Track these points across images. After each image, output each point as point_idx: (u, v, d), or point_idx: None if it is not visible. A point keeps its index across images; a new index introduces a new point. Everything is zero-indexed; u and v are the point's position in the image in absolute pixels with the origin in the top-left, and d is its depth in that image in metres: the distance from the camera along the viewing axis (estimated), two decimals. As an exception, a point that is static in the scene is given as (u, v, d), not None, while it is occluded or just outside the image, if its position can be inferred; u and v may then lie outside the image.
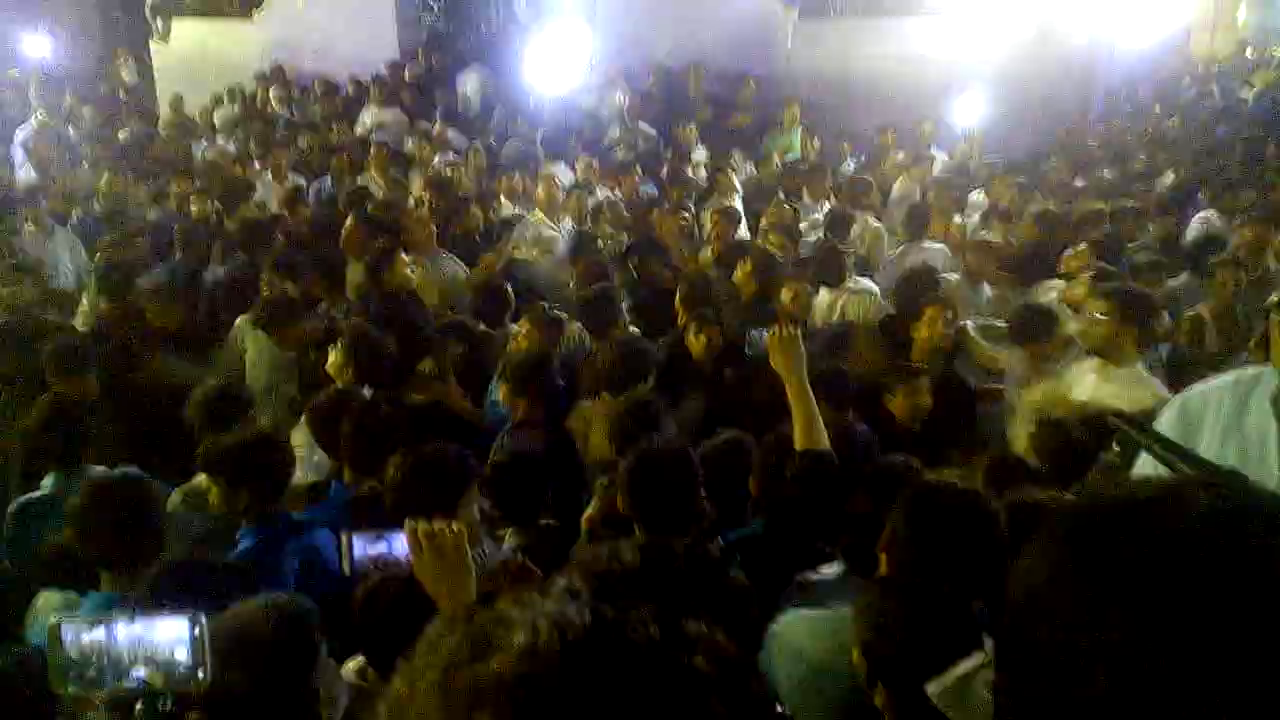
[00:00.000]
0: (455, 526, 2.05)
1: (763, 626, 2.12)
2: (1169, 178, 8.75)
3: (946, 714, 1.52)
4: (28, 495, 3.50)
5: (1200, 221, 7.15)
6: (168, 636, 1.78)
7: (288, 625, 2.10)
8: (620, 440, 3.40)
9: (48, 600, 2.85)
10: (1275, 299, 1.83)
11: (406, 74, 11.92)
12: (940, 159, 9.45)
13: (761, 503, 2.99)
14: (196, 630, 1.78)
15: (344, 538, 2.24)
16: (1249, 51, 15.63)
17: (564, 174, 8.64)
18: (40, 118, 11.15)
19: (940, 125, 9.89)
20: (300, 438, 3.94)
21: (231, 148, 10.21)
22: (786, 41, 11.19)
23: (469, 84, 11.29)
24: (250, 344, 5.06)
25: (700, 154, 9.47)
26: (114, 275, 5.54)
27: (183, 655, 1.78)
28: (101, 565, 2.80)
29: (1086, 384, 3.86)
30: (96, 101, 12.83)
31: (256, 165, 9.18)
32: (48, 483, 3.53)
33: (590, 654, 0.70)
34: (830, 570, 2.67)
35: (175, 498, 3.51)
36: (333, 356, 4.34)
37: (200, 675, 1.78)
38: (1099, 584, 0.76)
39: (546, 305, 5.14)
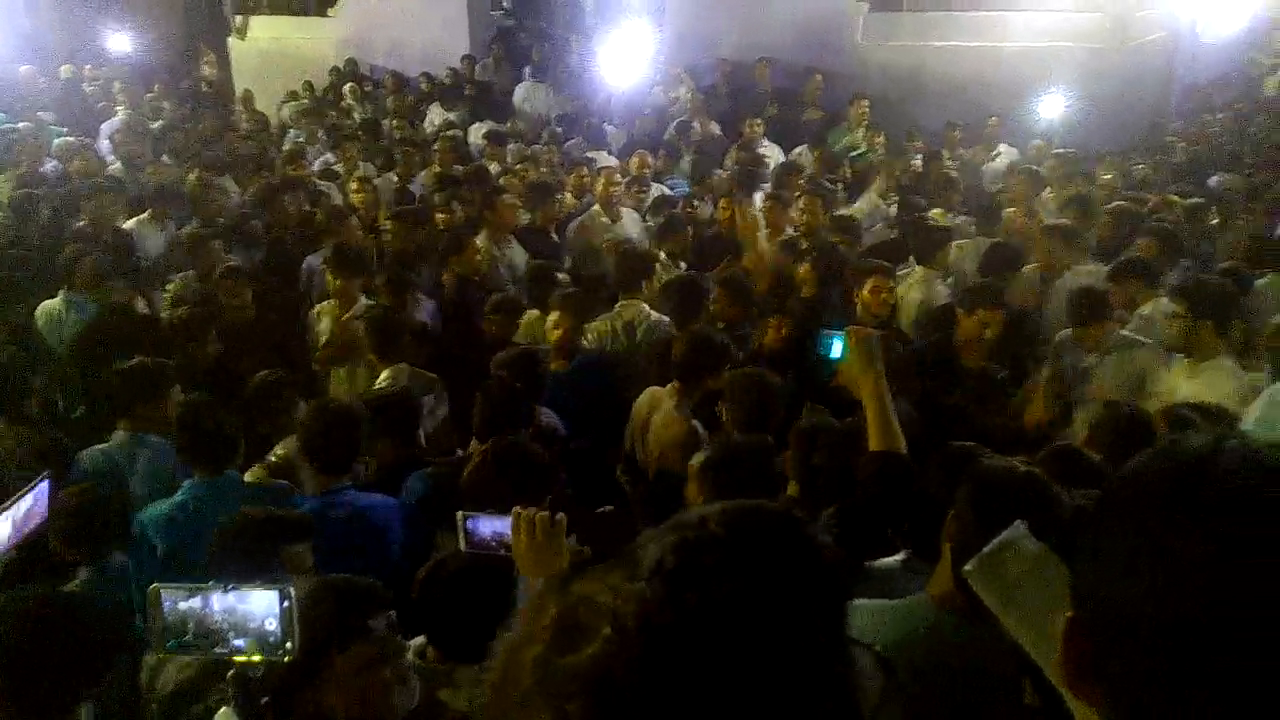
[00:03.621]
0: (558, 516, 2.14)
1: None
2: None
3: (980, 591, 1.56)
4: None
5: None
6: (260, 608, 1.84)
7: (322, 603, 2.16)
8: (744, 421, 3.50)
9: None
10: None
11: (476, 71, 12.09)
12: (1011, 156, 9.26)
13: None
14: (286, 603, 1.84)
15: (459, 517, 2.34)
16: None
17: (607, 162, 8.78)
18: (125, 112, 11.53)
19: (1010, 121, 9.69)
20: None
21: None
22: (856, 35, 11.09)
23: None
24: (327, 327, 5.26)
25: (772, 151, 9.39)
26: (200, 256, 5.84)
27: (273, 626, 1.84)
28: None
29: (1174, 382, 3.83)
30: (177, 96, 13.21)
31: (330, 158, 9.37)
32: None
33: (671, 646, 0.70)
34: (892, 559, 2.67)
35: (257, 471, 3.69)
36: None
37: (289, 645, 1.84)
38: (1161, 550, 0.77)
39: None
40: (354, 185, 7.77)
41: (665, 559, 0.75)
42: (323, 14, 13.75)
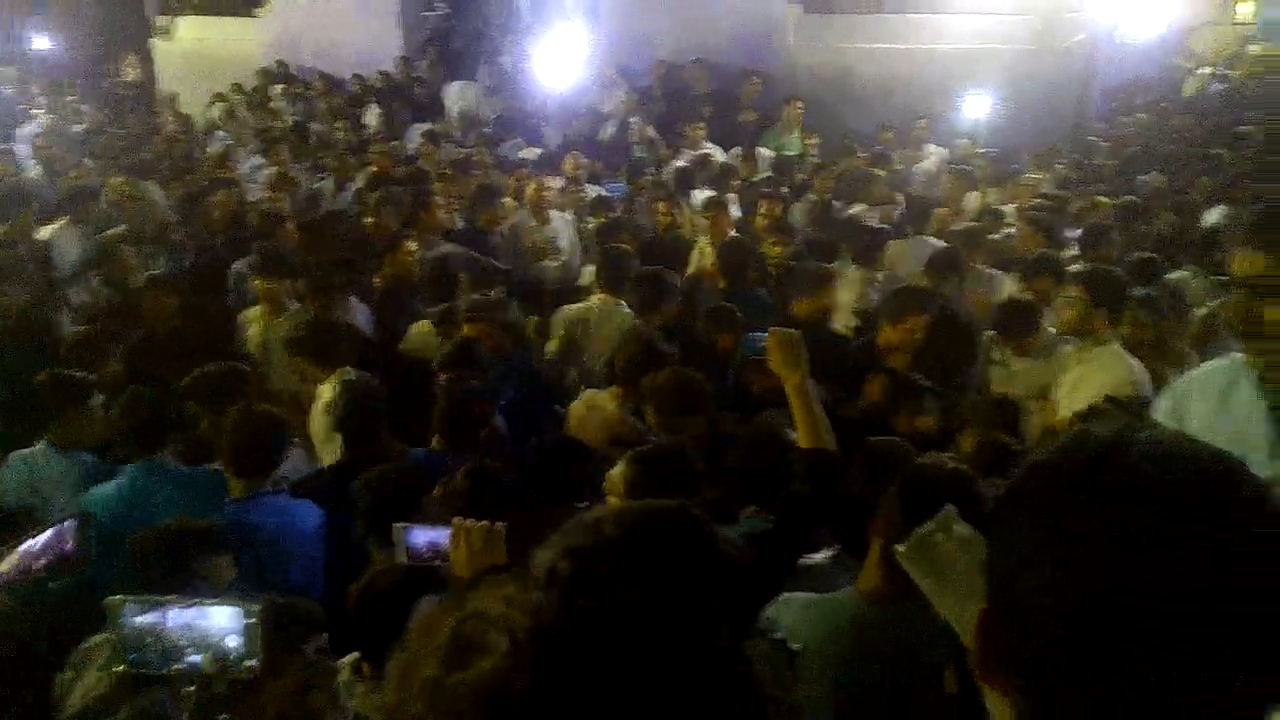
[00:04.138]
0: (497, 525, 2.14)
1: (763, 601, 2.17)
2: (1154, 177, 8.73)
3: (911, 571, 1.60)
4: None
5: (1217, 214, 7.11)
6: (220, 623, 1.79)
7: None
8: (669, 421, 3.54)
9: None
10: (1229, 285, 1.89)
11: (412, 71, 11.98)
12: (940, 156, 9.44)
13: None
14: (251, 619, 1.80)
15: (396, 529, 2.32)
16: (1253, 48, 15.60)
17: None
18: (45, 115, 11.18)
19: (938, 122, 9.87)
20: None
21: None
22: (789, 37, 11.19)
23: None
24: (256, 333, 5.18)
25: (715, 153, 9.40)
26: (116, 266, 5.66)
27: (235, 643, 1.80)
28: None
29: (1067, 367, 3.93)
30: (98, 98, 12.86)
31: (259, 161, 9.19)
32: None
33: (567, 657, 0.68)
34: (821, 555, 2.70)
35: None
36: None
37: (252, 663, 1.80)
38: (1063, 543, 0.79)
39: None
40: (270, 191, 7.66)
41: (559, 566, 0.73)
42: (249, 14, 13.47)
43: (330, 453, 4.01)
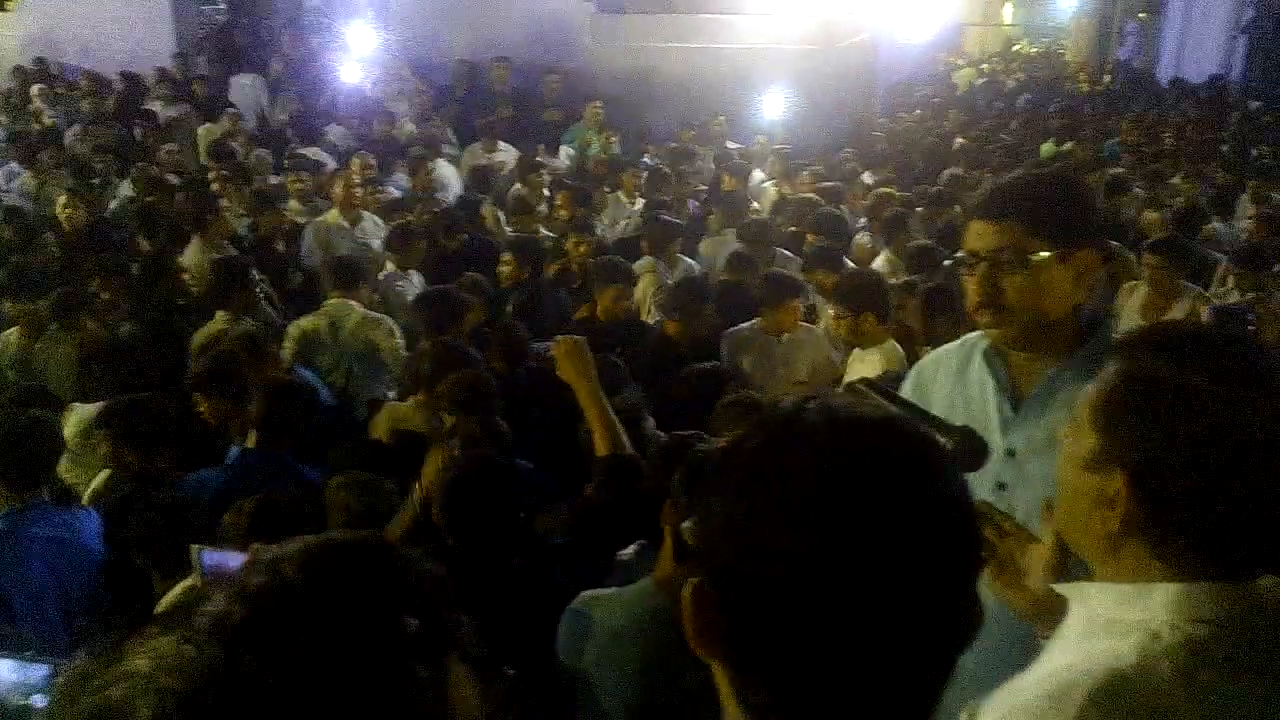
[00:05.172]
0: None
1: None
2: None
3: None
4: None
5: None
6: (21, 680, 1.58)
7: None
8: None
9: None
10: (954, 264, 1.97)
11: (192, 68, 11.31)
12: (739, 151, 9.69)
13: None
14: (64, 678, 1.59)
15: (194, 550, 2.18)
16: (1016, 46, 17.01)
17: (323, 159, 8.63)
18: None
19: (734, 120, 10.15)
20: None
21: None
22: (585, 36, 11.23)
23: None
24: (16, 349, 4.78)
25: (508, 153, 9.26)
26: None
27: (42, 704, 1.59)
28: None
29: (851, 368, 4.15)
30: None
31: (15, 168, 8.43)
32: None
33: None
34: (630, 550, 2.72)
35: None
36: None
37: None
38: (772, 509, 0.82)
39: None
40: (63, 199, 6.99)
41: (229, 614, 0.64)
42: (1, 8, 12.34)
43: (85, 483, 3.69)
